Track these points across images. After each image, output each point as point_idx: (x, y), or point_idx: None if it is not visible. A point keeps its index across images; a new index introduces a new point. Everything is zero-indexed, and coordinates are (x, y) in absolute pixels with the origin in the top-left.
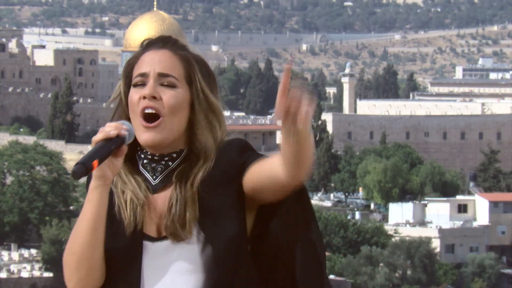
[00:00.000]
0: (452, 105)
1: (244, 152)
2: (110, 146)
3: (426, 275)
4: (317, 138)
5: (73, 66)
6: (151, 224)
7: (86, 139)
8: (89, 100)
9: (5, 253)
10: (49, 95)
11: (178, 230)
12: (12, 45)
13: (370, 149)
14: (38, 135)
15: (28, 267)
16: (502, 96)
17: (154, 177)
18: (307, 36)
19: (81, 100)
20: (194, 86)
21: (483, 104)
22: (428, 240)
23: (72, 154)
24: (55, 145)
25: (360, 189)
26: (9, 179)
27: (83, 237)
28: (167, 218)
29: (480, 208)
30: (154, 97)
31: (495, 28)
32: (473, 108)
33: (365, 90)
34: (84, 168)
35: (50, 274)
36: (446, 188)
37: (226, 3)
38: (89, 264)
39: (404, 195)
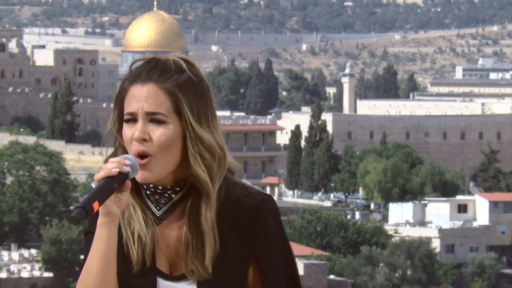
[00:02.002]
0: (452, 105)
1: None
2: (112, 185)
3: (426, 275)
4: (317, 138)
5: (73, 66)
6: (161, 259)
7: (86, 139)
8: (89, 100)
9: (5, 253)
10: (49, 95)
11: (200, 268)
12: (12, 45)
13: (370, 149)
14: (39, 136)
15: (28, 267)
16: (502, 96)
17: (158, 208)
18: (307, 36)
19: (81, 100)
20: (183, 120)
21: (483, 104)
22: (428, 240)
23: (72, 154)
24: (55, 145)
25: (360, 189)
26: (9, 179)
27: (95, 274)
28: (187, 256)
29: (480, 208)
30: (144, 139)
31: (495, 28)
32: (473, 108)
33: (365, 90)
34: (84, 212)
35: (50, 274)
36: (446, 188)
37: (226, 3)
38: None
39: (404, 195)
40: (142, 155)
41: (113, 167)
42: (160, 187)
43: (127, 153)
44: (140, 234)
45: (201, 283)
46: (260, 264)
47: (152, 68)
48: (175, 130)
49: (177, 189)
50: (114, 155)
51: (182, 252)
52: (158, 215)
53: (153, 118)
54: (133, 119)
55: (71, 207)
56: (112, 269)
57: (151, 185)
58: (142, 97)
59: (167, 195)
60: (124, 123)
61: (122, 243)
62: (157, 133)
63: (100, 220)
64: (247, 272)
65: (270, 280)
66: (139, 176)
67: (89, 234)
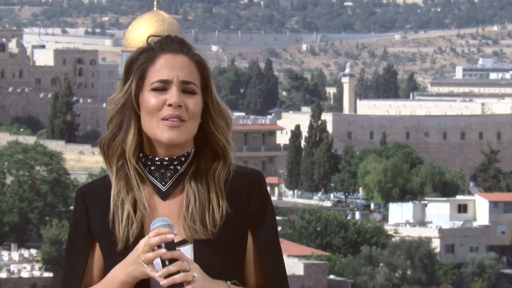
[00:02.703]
0: (452, 105)
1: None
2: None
3: (426, 275)
4: (317, 138)
5: (73, 66)
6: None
7: (86, 139)
8: (89, 100)
9: (5, 253)
10: (49, 95)
11: (201, 229)
12: (12, 45)
13: (370, 149)
14: (39, 136)
15: (28, 267)
16: (502, 96)
17: (163, 183)
18: (307, 36)
19: (81, 100)
20: (209, 93)
21: (483, 104)
22: (428, 240)
23: (72, 154)
24: (55, 145)
25: (360, 189)
26: (9, 179)
27: None
28: (187, 217)
29: (480, 208)
30: (179, 106)
31: (495, 28)
32: (473, 108)
33: (365, 90)
34: None
35: (50, 274)
36: (446, 188)
37: (226, 3)
38: None
39: (404, 195)
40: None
41: (162, 238)
42: (166, 159)
43: (139, 125)
44: (130, 214)
45: (198, 244)
46: (254, 227)
47: (179, 41)
48: (201, 102)
49: (183, 159)
50: (117, 134)
51: (182, 216)
52: (164, 190)
53: (187, 88)
54: (163, 87)
55: (71, 207)
56: None
57: (156, 159)
58: (177, 66)
59: (172, 167)
60: (149, 91)
61: (109, 220)
62: (191, 102)
63: (123, 278)
64: (245, 237)
65: (264, 241)
66: (170, 136)
67: (85, 235)
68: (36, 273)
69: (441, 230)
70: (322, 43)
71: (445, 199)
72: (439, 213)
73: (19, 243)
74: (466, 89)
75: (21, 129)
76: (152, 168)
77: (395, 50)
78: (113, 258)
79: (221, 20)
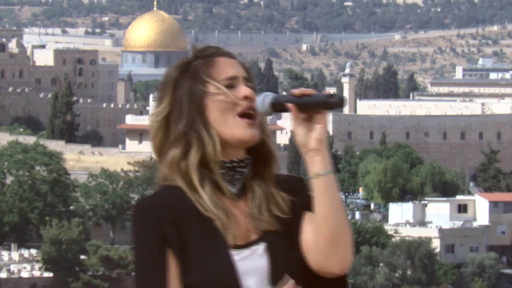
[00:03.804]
0: (452, 105)
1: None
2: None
3: (426, 275)
4: None
5: (73, 66)
6: (235, 232)
7: (86, 139)
8: (89, 100)
9: (5, 253)
10: (49, 95)
11: (266, 219)
12: (12, 45)
13: (370, 149)
14: (39, 136)
15: (28, 267)
16: (502, 96)
17: (234, 185)
18: (307, 36)
19: (81, 100)
20: None
21: (483, 104)
22: (428, 240)
23: (72, 154)
24: (55, 145)
25: (360, 189)
26: (9, 179)
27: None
28: (255, 212)
29: (480, 208)
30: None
31: (495, 28)
32: (473, 108)
33: (365, 90)
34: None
35: (50, 274)
36: (446, 188)
37: (226, 3)
38: None
39: (404, 195)
40: (250, 116)
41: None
42: (236, 160)
43: (209, 130)
44: (219, 215)
45: (269, 238)
46: (307, 219)
47: (222, 49)
48: None
49: (247, 161)
50: (190, 147)
51: (252, 218)
52: (235, 192)
53: (249, 85)
54: (230, 84)
55: (71, 207)
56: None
57: (227, 161)
58: (235, 65)
59: (240, 170)
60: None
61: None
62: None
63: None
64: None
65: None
66: (251, 133)
67: (159, 244)
68: (36, 273)
69: (441, 230)
70: (322, 43)
71: (445, 199)
72: (439, 213)
73: (19, 243)
74: (466, 89)
75: (21, 129)
76: (223, 171)
77: (395, 50)
78: (199, 266)
79: (221, 20)
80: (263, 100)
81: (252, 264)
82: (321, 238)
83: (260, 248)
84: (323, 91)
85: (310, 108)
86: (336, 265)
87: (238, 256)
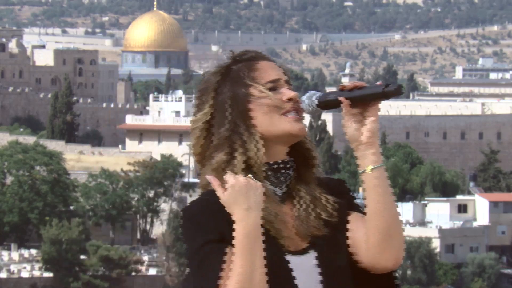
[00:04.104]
0: (452, 105)
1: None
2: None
3: (426, 275)
4: (317, 138)
5: (73, 66)
6: (287, 236)
7: (86, 139)
8: (89, 100)
9: (5, 253)
10: (49, 95)
11: (322, 227)
12: (12, 45)
13: None
14: (39, 136)
15: (28, 267)
16: (502, 96)
17: (279, 187)
18: (307, 36)
19: (81, 100)
20: None
21: (483, 104)
22: (428, 240)
23: (72, 154)
24: (55, 145)
25: (360, 189)
26: (9, 179)
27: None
28: (301, 216)
29: (480, 208)
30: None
31: (495, 28)
32: (473, 108)
33: None
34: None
35: (50, 274)
36: (446, 188)
37: (226, 3)
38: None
39: (404, 195)
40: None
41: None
42: (281, 161)
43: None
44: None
45: (321, 247)
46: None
47: (261, 53)
48: None
49: (292, 163)
50: (235, 151)
51: (299, 222)
52: (281, 194)
53: (289, 87)
54: (273, 87)
55: (71, 207)
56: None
57: (272, 162)
58: (275, 68)
59: (284, 172)
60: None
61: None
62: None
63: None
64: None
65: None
66: (301, 127)
67: (212, 243)
68: (36, 273)
69: (441, 230)
70: (322, 43)
71: (445, 199)
72: (439, 213)
73: (19, 243)
74: (466, 89)
75: (21, 129)
76: (268, 173)
77: (395, 50)
78: None
79: (221, 20)
80: (310, 99)
81: (305, 272)
82: (374, 232)
83: (312, 257)
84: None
85: (364, 100)
86: (390, 259)
87: (292, 262)
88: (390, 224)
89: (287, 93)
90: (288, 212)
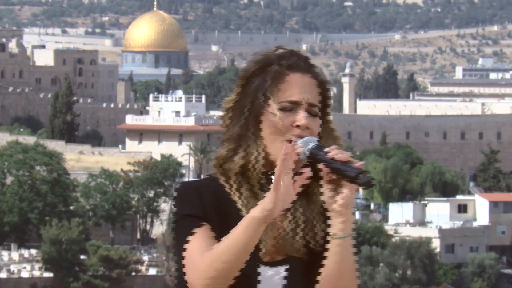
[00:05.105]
0: (452, 105)
1: None
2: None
3: (426, 275)
4: None
5: (73, 66)
6: (263, 246)
7: (86, 139)
8: (89, 100)
9: (5, 253)
10: (49, 95)
11: (297, 245)
12: (12, 45)
13: (370, 149)
14: (39, 136)
15: (28, 267)
16: (502, 96)
17: None
18: (307, 36)
19: (81, 100)
20: (326, 114)
21: (483, 104)
22: (428, 240)
23: (72, 154)
24: (55, 145)
25: (360, 189)
26: (9, 179)
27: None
28: (288, 233)
29: (480, 208)
30: (307, 128)
31: (495, 28)
32: (473, 108)
33: (365, 90)
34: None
35: (50, 274)
36: (446, 188)
37: (226, 3)
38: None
39: (404, 195)
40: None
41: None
42: None
43: (259, 144)
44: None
45: (293, 267)
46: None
47: (306, 59)
48: (320, 123)
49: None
50: (237, 151)
51: (283, 237)
52: None
53: (311, 110)
54: (291, 108)
55: (71, 207)
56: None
57: (269, 173)
58: (306, 87)
59: None
60: (278, 110)
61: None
62: (314, 124)
63: (259, 215)
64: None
65: None
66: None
67: (192, 218)
68: (36, 273)
69: (441, 230)
70: (322, 43)
71: (445, 199)
72: (439, 213)
73: (19, 243)
74: (466, 89)
75: (21, 129)
76: (264, 181)
77: (395, 50)
78: None
79: (221, 20)
80: (305, 146)
81: (270, 285)
82: None
83: (282, 271)
84: (357, 163)
85: (338, 174)
86: None
87: (262, 272)
88: None
89: (300, 118)
90: (276, 223)
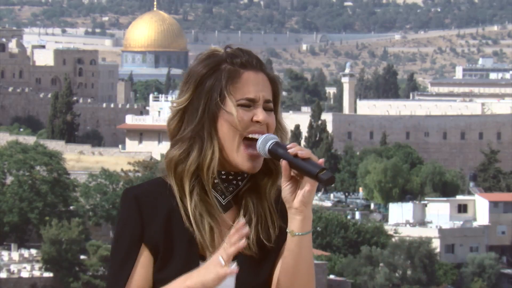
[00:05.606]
0: (452, 105)
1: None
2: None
3: (426, 275)
4: (317, 138)
5: (73, 66)
6: (215, 245)
7: (86, 139)
8: (89, 100)
9: (5, 253)
10: (49, 95)
11: (250, 243)
12: (12, 45)
13: (370, 149)
14: (39, 136)
15: (28, 267)
16: (502, 96)
17: (223, 196)
18: (307, 36)
19: (81, 100)
20: (277, 110)
21: (483, 104)
22: (428, 240)
23: (72, 154)
24: (55, 145)
25: (360, 189)
26: (9, 179)
27: None
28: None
29: (480, 208)
30: (265, 123)
31: (495, 28)
32: (473, 108)
33: (365, 90)
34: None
35: (50, 274)
36: (446, 188)
37: (226, 3)
38: None
39: (404, 195)
40: (251, 143)
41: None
42: (232, 173)
43: (217, 140)
44: (211, 224)
45: (242, 264)
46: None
47: (256, 57)
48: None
49: (245, 175)
50: (190, 152)
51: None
52: (224, 203)
53: (267, 106)
54: (248, 105)
55: (71, 207)
56: None
57: (222, 173)
58: (260, 84)
59: (235, 182)
60: (236, 107)
61: (172, 229)
62: (271, 120)
63: (191, 285)
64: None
65: None
66: (253, 166)
67: (128, 243)
68: (36, 273)
69: (441, 230)
70: (322, 43)
71: (445, 199)
72: (439, 213)
73: (19, 243)
74: (466, 89)
75: (21, 129)
76: (216, 181)
77: (395, 50)
78: (168, 268)
79: (221, 20)
80: (264, 144)
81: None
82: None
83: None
84: (319, 160)
85: (299, 172)
86: None
87: None
88: None
89: (258, 115)
90: (227, 221)
